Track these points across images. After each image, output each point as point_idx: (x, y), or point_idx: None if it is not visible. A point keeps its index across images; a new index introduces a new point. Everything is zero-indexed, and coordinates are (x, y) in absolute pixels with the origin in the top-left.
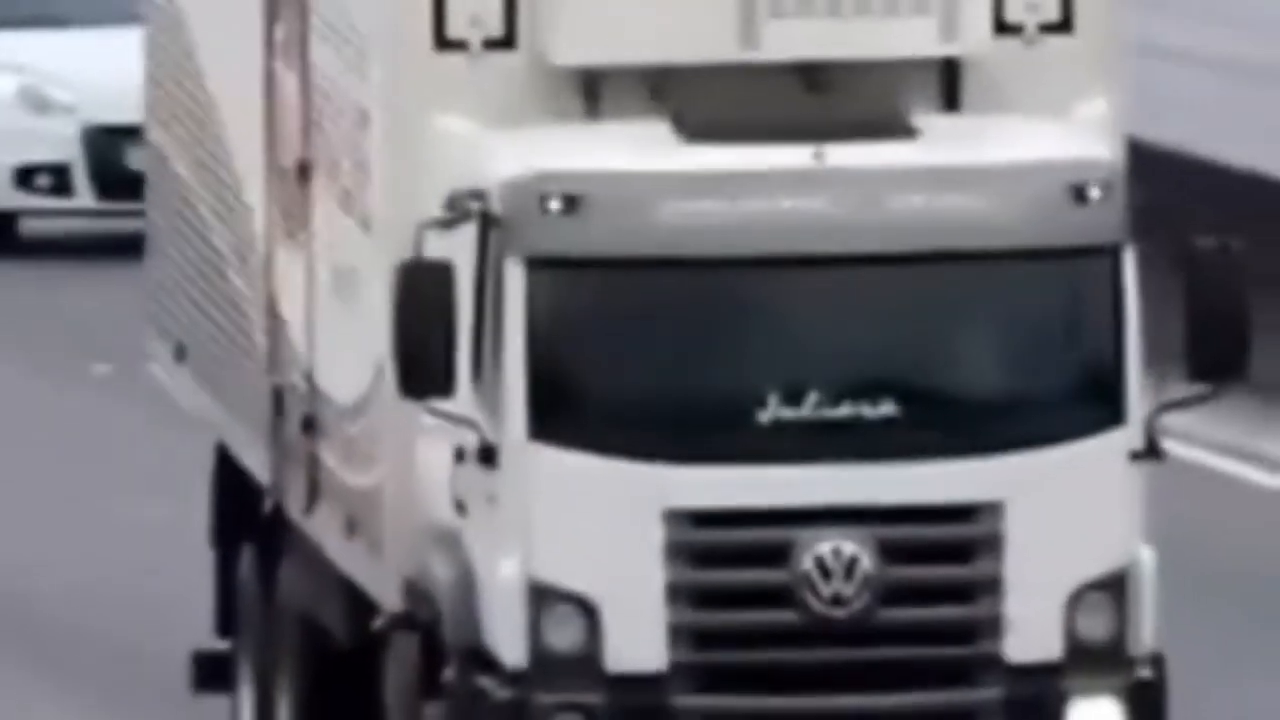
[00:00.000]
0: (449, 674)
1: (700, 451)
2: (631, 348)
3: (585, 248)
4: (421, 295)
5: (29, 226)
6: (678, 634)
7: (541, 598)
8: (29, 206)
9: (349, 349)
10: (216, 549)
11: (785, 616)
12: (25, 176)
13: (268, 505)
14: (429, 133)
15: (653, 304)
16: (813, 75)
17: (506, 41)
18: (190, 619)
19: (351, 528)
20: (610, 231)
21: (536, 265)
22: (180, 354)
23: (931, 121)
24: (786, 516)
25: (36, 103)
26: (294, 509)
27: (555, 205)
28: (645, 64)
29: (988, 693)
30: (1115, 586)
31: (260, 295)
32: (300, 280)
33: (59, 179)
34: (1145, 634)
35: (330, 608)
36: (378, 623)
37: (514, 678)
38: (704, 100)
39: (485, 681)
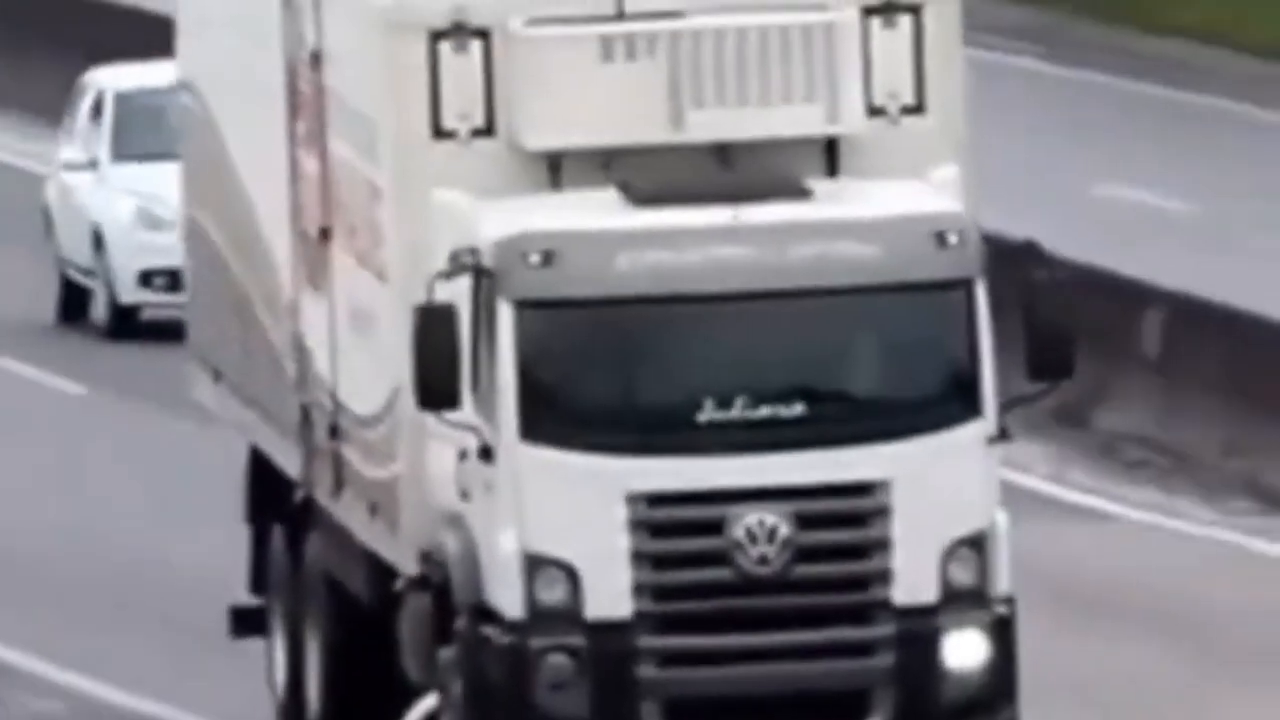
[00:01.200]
0: (459, 625)
1: (653, 446)
2: (598, 367)
3: (559, 291)
4: (433, 330)
5: (149, 315)
6: (640, 590)
7: (533, 564)
8: (149, 301)
9: (367, 373)
10: (251, 526)
11: (722, 574)
12: (146, 278)
13: (298, 495)
14: (430, 204)
15: (613, 333)
16: (723, 152)
17: (487, 130)
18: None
19: (373, 510)
20: (578, 278)
21: (522, 306)
22: (217, 377)
23: (820, 185)
24: (721, 496)
25: (151, 221)
26: (322, 496)
27: (534, 259)
28: (595, 146)
29: (881, 630)
30: (979, 543)
31: (288, 332)
32: (323, 320)
33: (172, 280)
34: (1002, 580)
35: (355, 574)
36: (397, 584)
37: (513, 627)
38: (644, 173)
39: (489, 630)
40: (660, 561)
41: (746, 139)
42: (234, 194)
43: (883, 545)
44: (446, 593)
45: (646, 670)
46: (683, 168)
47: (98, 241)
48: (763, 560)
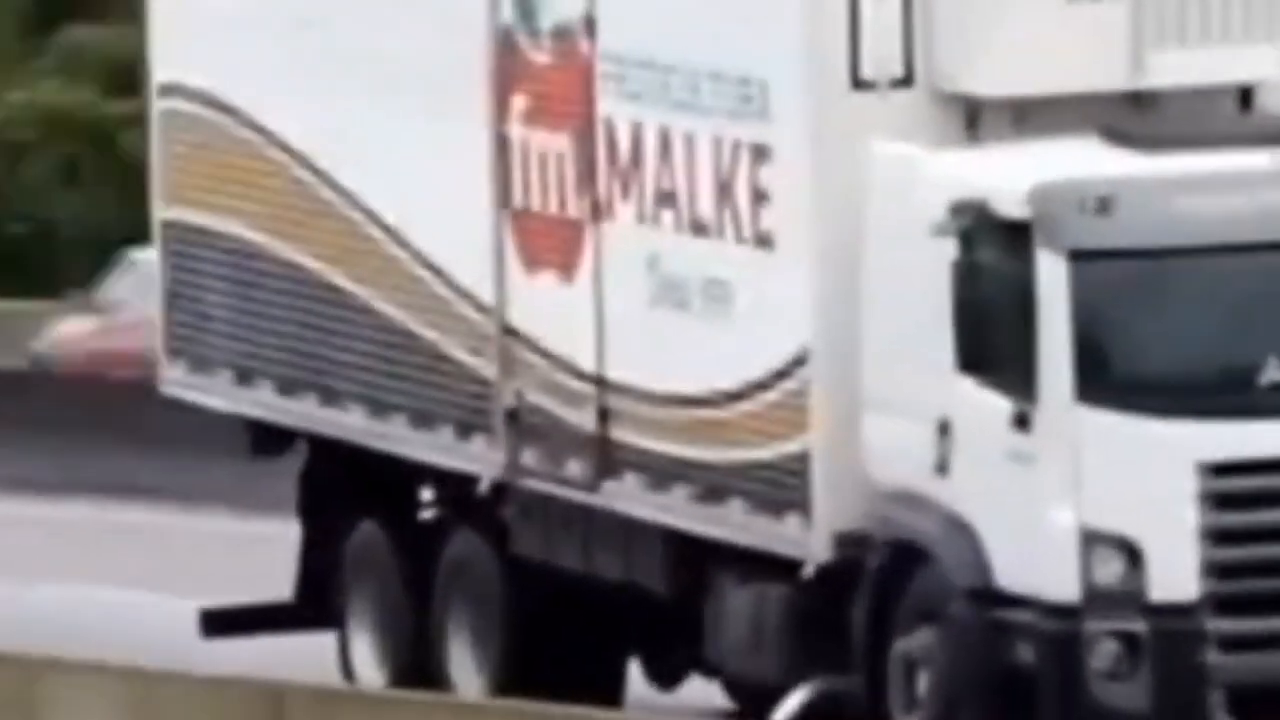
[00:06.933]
0: (954, 608)
1: (1219, 410)
2: (1159, 323)
3: (1118, 240)
4: (978, 287)
5: None
6: (1208, 568)
7: (1090, 540)
8: None
9: (714, 349)
10: (305, 524)
11: None
12: None
13: (483, 486)
14: (861, 158)
15: (1175, 286)
16: (1138, 97)
17: (906, 80)
18: None
19: (714, 495)
20: (1140, 226)
21: (1078, 258)
22: (245, 378)
23: None
24: None
25: None
26: (554, 486)
27: (1091, 205)
28: (1051, 94)
29: None
30: None
31: (472, 321)
32: (579, 301)
33: None
34: None
35: (642, 565)
36: (807, 570)
37: (1060, 610)
38: (1085, 121)
39: (1016, 615)
40: (1229, 537)
41: (1210, 84)
42: (287, 185)
43: None
44: (895, 578)
45: (1213, 656)
46: (1113, 116)
47: None
48: None
